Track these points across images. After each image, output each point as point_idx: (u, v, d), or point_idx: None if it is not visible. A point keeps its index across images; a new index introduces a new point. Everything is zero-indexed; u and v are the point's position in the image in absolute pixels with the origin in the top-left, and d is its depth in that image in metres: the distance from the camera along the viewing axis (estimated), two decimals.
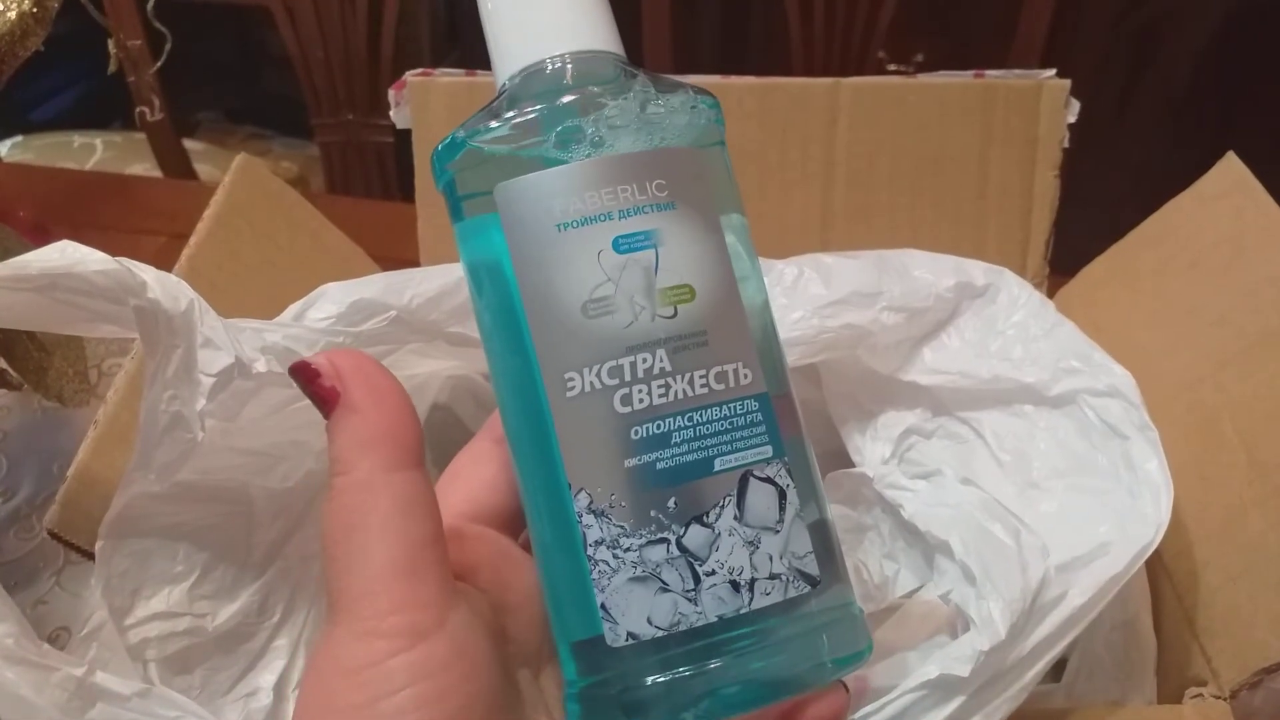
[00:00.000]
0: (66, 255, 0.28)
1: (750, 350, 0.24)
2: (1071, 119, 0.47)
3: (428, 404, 0.40)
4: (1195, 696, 0.33)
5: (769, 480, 0.24)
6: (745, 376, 0.24)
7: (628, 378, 0.23)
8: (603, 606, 0.23)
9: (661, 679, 0.23)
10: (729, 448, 0.23)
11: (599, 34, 0.26)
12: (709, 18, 1.51)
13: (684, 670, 0.23)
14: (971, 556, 0.33)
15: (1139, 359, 0.36)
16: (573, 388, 0.23)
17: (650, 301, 0.23)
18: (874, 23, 1.01)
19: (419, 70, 0.49)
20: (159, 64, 0.91)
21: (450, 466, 0.27)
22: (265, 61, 1.63)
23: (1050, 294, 0.46)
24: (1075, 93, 0.47)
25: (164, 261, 0.38)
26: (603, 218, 0.24)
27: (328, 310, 0.34)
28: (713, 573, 0.23)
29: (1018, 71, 0.47)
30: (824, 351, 0.39)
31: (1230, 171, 0.42)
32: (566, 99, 0.25)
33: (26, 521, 0.51)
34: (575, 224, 0.24)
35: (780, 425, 0.24)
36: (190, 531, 0.33)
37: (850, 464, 0.41)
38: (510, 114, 0.25)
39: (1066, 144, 0.47)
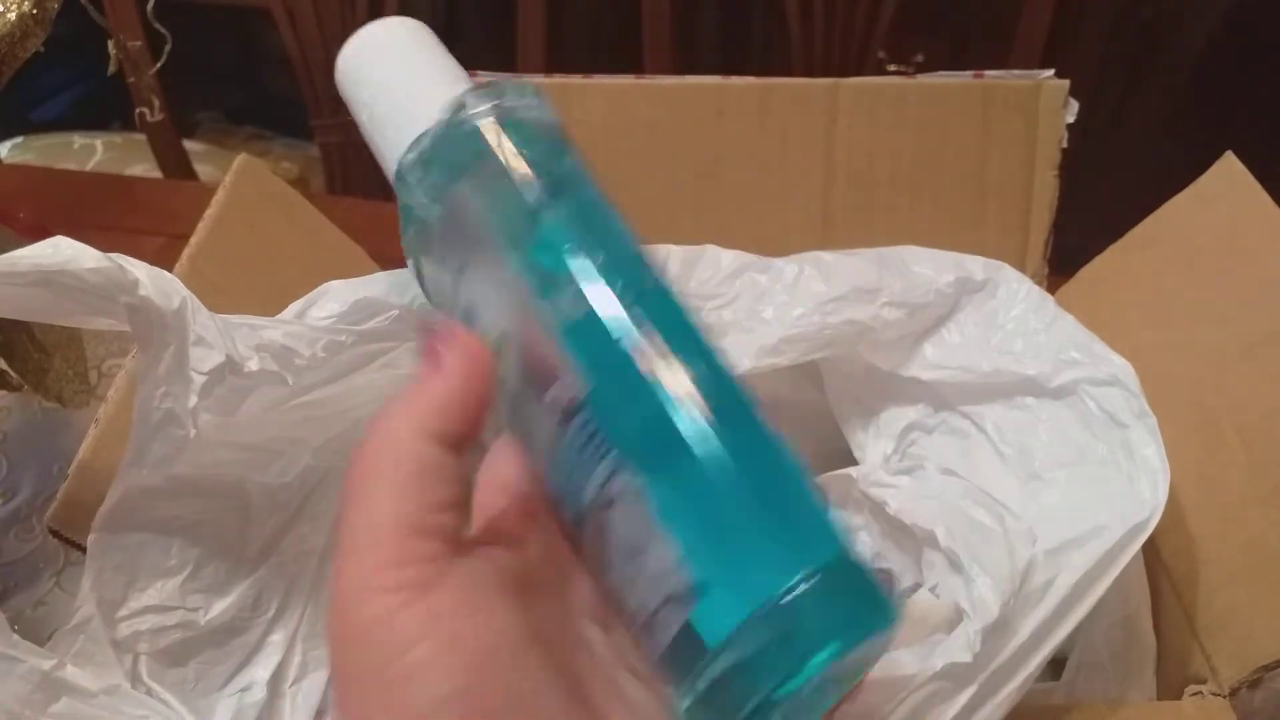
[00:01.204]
0: (59, 252, 0.28)
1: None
2: (1070, 119, 0.47)
3: None
4: (1195, 694, 0.33)
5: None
6: None
7: None
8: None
9: None
10: None
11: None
12: (709, 18, 1.51)
13: None
14: (957, 543, 0.33)
15: (1138, 359, 0.36)
16: None
17: None
18: (874, 23, 1.01)
19: None
20: (159, 65, 0.91)
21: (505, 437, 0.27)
22: (265, 62, 1.63)
23: (1049, 294, 0.46)
24: (1074, 93, 0.47)
25: (164, 262, 0.38)
26: None
27: (330, 308, 0.34)
28: None
29: (1016, 72, 0.47)
30: (825, 348, 0.39)
31: (1228, 172, 0.42)
32: None
33: (26, 523, 0.51)
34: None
35: None
36: (184, 526, 0.33)
37: (854, 463, 0.42)
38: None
39: (1065, 144, 0.47)
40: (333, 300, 0.35)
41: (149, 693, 0.32)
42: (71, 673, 0.29)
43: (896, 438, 0.41)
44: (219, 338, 0.30)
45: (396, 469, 0.21)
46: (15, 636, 0.29)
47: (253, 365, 0.31)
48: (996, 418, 0.38)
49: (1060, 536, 0.32)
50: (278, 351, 0.32)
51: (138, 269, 0.29)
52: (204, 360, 0.30)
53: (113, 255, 0.28)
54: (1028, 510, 0.34)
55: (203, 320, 0.30)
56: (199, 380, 0.30)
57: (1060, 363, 0.37)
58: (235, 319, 0.31)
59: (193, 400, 0.30)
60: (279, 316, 0.34)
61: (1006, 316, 0.39)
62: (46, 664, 0.28)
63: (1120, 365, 0.36)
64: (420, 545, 0.21)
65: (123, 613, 0.32)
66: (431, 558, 0.21)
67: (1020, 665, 0.30)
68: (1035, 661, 0.30)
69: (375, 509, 0.21)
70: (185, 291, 0.30)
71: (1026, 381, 0.37)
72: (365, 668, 0.20)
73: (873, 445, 0.41)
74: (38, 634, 0.47)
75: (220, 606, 0.34)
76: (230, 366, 0.30)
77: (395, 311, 0.35)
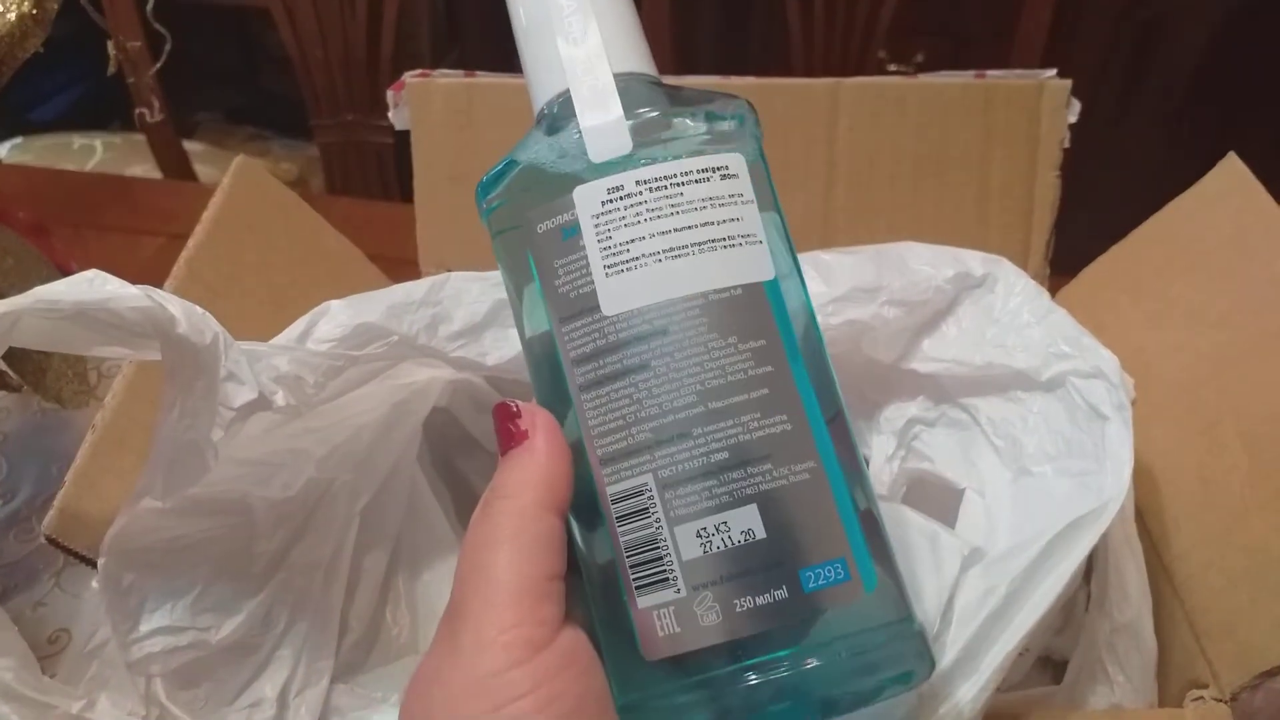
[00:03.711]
0: (97, 288, 0.27)
1: None
2: (1072, 119, 0.47)
3: (428, 407, 0.40)
4: (1196, 699, 0.33)
5: None
6: None
7: None
8: None
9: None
10: None
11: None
12: (709, 18, 1.50)
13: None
14: None
15: (1140, 360, 0.36)
16: None
17: None
18: (874, 23, 1.01)
19: (418, 71, 0.49)
20: (158, 65, 0.91)
21: None
22: (265, 62, 1.63)
23: (1051, 294, 0.46)
24: (1076, 92, 0.47)
25: (163, 262, 0.38)
26: None
27: (330, 332, 0.34)
28: None
29: (1018, 71, 0.47)
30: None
31: (1231, 172, 0.42)
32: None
33: (26, 523, 0.51)
34: None
35: None
36: (192, 545, 0.33)
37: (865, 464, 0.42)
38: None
39: (1067, 144, 0.47)
40: (333, 324, 0.34)
41: (164, 715, 0.32)
42: (99, 711, 0.30)
43: (899, 434, 0.41)
44: (249, 374, 0.30)
45: (517, 537, 0.24)
46: (46, 679, 0.29)
47: (279, 401, 0.31)
48: (991, 410, 0.38)
49: (1012, 539, 0.32)
50: (291, 382, 0.32)
51: (173, 305, 0.28)
52: (235, 396, 0.30)
53: (148, 289, 0.28)
54: (1019, 504, 0.34)
55: (234, 356, 0.30)
56: (227, 415, 0.30)
57: (1050, 356, 0.37)
58: (243, 345, 0.31)
59: (218, 434, 0.29)
60: (282, 338, 0.34)
61: (1003, 310, 0.39)
62: (76, 705, 0.29)
63: (1106, 358, 0.35)
64: (537, 608, 0.24)
65: (135, 636, 0.32)
66: (545, 620, 0.24)
67: (965, 673, 0.29)
68: (992, 663, 0.29)
69: (498, 573, 0.24)
70: (218, 328, 0.29)
71: (1018, 375, 0.37)
72: (473, 711, 0.23)
73: (877, 443, 0.41)
74: (37, 635, 0.47)
75: (231, 624, 0.33)
76: (260, 403, 0.30)
77: (395, 337, 0.35)
